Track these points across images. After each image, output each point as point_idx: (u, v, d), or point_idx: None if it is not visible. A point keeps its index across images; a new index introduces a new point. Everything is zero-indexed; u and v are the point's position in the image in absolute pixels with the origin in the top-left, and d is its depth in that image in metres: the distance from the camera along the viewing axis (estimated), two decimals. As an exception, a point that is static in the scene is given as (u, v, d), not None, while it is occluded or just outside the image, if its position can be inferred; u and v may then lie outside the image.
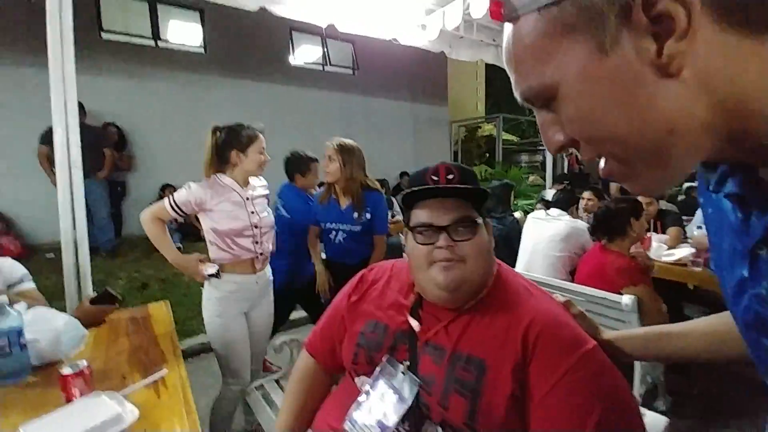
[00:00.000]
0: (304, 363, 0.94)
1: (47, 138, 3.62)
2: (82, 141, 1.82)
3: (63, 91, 1.75)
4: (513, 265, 2.49)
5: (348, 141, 1.97)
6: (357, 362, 0.79)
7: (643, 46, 0.29)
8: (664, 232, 2.76)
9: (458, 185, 0.75)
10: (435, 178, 0.77)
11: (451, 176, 0.77)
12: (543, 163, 4.97)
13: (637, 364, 1.75)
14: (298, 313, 3.33)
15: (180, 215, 1.52)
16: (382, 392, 0.72)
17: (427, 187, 0.76)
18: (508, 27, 0.35)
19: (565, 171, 10.71)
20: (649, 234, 2.54)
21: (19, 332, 1.05)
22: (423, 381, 0.70)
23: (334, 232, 2.00)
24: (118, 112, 4.96)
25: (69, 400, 0.90)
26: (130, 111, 5.10)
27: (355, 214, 1.95)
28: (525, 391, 0.63)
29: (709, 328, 0.65)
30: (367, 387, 0.75)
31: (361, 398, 0.74)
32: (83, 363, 0.93)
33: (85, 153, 1.86)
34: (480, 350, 0.68)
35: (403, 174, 7.52)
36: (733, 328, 0.62)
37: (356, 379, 0.80)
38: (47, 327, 1.15)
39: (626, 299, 1.66)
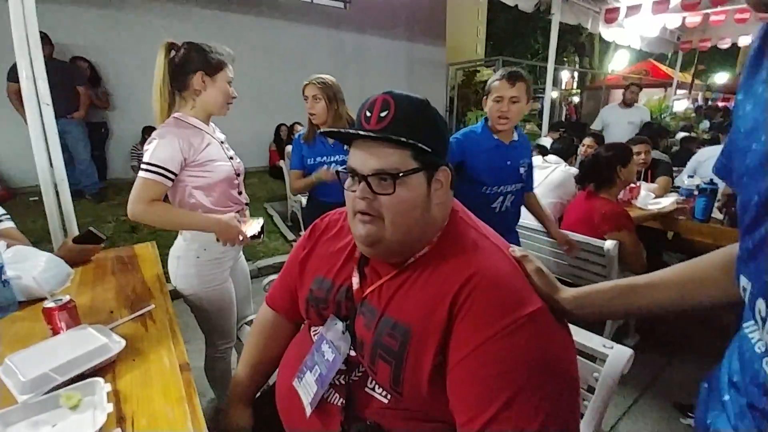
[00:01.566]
0: (263, 316, 0.95)
1: (14, 74, 3.38)
2: (49, 76, 1.71)
3: (23, 21, 1.62)
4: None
5: (326, 76, 1.86)
6: (309, 317, 0.81)
7: None
8: (654, 182, 2.78)
9: (379, 130, 0.62)
10: (368, 114, 0.64)
11: (384, 113, 0.63)
12: (541, 112, 4.81)
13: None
14: (285, 257, 3.40)
15: (172, 180, 1.19)
16: (324, 350, 0.73)
17: (336, 130, 0.66)
18: None
19: (563, 119, 10.47)
20: (639, 183, 2.55)
21: (0, 268, 1.04)
22: (356, 342, 0.70)
23: (326, 167, 1.94)
24: (87, 46, 4.60)
25: (56, 333, 0.92)
26: (102, 44, 4.73)
27: (345, 146, 1.88)
28: (446, 357, 0.58)
29: (681, 277, 0.61)
30: (313, 344, 0.77)
31: (308, 356, 0.76)
32: (66, 297, 0.94)
33: (56, 90, 1.75)
34: (407, 316, 0.63)
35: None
36: (710, 274, 0.60)
37: (312, 330, 0.82)
38: (29, 264, 1.14)
39: (609, 244, 1.70)
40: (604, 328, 1.89)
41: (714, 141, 4.76)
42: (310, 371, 0.73)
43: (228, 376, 1.58)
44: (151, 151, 1.18)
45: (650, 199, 2.48)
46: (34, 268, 1.14)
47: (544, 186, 2.35)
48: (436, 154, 0.64)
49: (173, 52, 1.25)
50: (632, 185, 2.35)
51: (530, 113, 11.00)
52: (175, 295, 1.31)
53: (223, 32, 5.30)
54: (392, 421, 0.64)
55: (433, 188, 0.66)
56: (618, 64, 13.94)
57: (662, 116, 8.16)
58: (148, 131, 4.97)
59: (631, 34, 5.17)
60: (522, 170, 1.65)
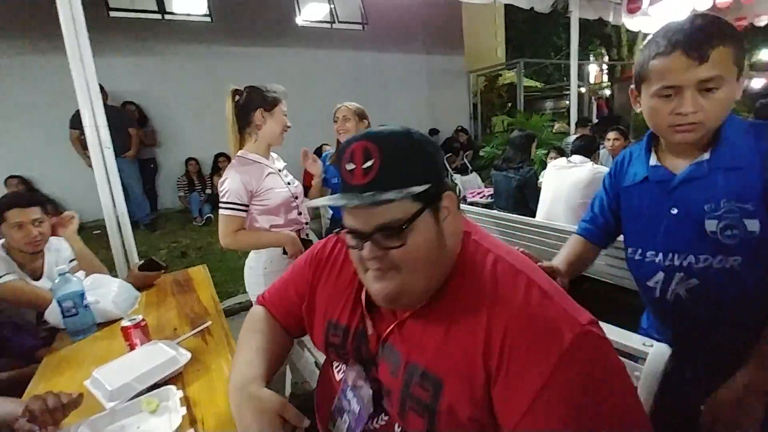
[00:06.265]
0: (260, 314, 0.84)
1: (76, 122, 3.80)
2: (107, 122, 1.92)
3: (83, 73, 1.81)
4: (527, 214, 2.50)
5: (355, 104, 2.04)
6: (330, 358, 0.77)
7: None
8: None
9: (367, 184, 0.55)
10: (350, 167, 0.57)
11: (369, 162, 0.55)
12: (570, 110, 4.69)
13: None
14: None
15: (246, 210, 1.42)
16: (349, 398, 0.69)
17: (335, 196, 0.60)
18: None
19: (594, 116, 10.09)
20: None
21: (82, 295, 1.21)
22: (383, 389, 0.65)
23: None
24: (133, 90, 5.08)
25: (132, 348, 1.05)
26: (146, 87, 5.21)
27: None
28: (492, 418, 0.53)
29: None
30: (340, 393, 0.71)
31: (336, 400, 0.71)
32: (139, 317, 1.07)
33: (112, 134, 1.96)
34: (436, 365, 0.57)
35: (432, 131, 7.42)
36: None
37: (333, 365, 0.77)
38: (105, 290, 1.31)
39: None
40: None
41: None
42: (341, 417, 0.70)
43: (281, 382, 1.69)
44: (223, 191, 1.40)
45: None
46: (109, 293, 1.30)
47: (572, 187, 2.31)
48: (435, 184, 0.56)
49: (237, 97, 1.46)
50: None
51: (558, 112, 10.73)
52: (229, 312, 1.44)
53: (249, 64, 5.66)
54: None
55: (441, 219, 0.58)
56: (649, 51, 13.36)
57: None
58: (188, 161, 5.37)
59: (658, 21, 4.99)
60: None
